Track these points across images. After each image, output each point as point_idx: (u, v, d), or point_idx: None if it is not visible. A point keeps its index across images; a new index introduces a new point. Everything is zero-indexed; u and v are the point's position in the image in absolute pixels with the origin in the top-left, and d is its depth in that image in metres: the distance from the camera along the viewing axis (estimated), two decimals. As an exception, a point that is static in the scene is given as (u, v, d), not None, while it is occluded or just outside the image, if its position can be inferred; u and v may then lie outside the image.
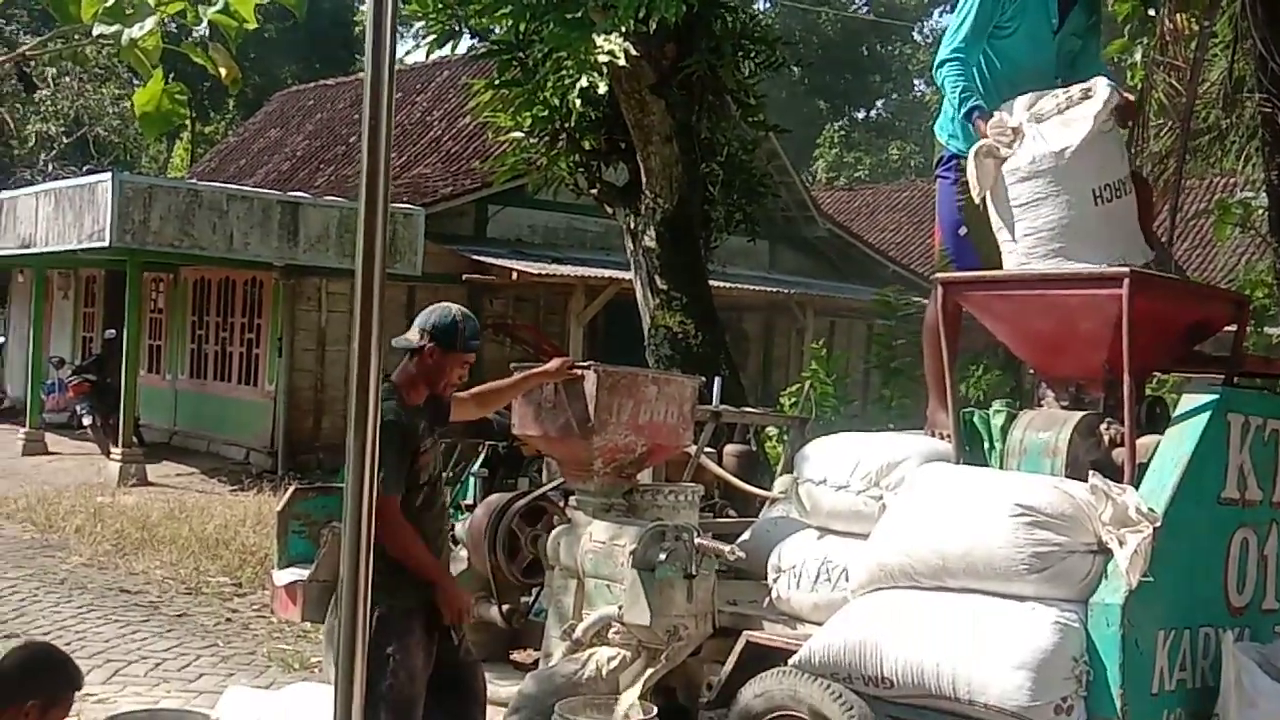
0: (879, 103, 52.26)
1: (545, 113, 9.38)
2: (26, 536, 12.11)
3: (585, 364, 5.74)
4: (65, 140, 34.57)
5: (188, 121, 37.86)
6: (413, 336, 4.85)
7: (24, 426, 18.84)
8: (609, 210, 10.46)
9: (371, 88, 2.37)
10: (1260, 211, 11.14)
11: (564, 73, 8.64)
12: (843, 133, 48.31)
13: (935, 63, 5.42)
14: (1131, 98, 5.23)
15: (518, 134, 10.02)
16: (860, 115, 52.20)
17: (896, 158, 46.27)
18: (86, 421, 17.90)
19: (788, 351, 21.75)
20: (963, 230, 5.57)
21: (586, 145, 10.05)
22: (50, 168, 33.28)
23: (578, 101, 8.63)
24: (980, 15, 5.33)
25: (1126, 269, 4.76)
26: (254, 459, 17.54)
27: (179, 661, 7.86)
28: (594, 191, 10.34)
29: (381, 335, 2.49)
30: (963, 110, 5.30)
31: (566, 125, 9.66)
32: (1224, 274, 18.12)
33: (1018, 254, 5.10)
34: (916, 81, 50.31)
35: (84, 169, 29.76)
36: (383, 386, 4.99)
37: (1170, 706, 4.49)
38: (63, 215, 16.30)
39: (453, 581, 4.78)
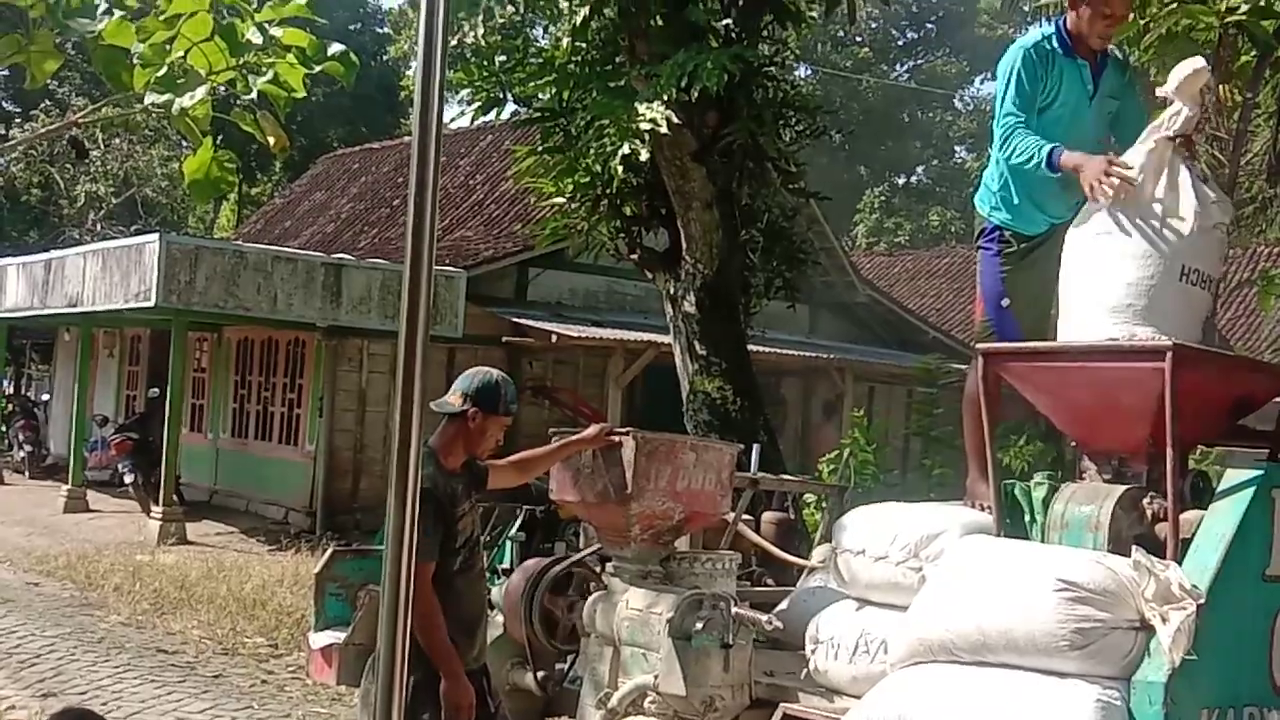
0: (919, 169, 52.37)
1: (587, 179, 9.46)
2: (66, 594, 12.18)
3: (624, 430, 5.74)
4: (114, 200, 35.14)
5: (235, 186, 38.38)
6: (454, 400, 4.88)
7: (66, 484, 18.99)
8: (649, 275, 10.50)
9: (419, 153, 2.41)
10: (1305, 283, 11.07)
11: (606, 140, 8.73)
12: (883, 198, 48.39)
13: (999, 140, 5.33)
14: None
15: (559, 199, 10.10)
16: (901, 181, 52.31)
17: (937, 224, 46.27)
18: (128, 479, 18.03)
19: (826, 418, 21.67)
20: (1005, 301, 5.55)
21: (628, 211, 10.12)
22: (99, 227, 33.81)
23: (619, 168, 8.70)
24: (1023, 89, 5.33)
25: (1169, 342, 4.72)
26: (293, 519, 17.61)
27: (215, 724, 7.88)
28: (634, 256, 10.39)
29: (424, 398, 2.50)
30: (1044, 155, 5.10)
31: (608, 191, 9.73)
32: (1268, 344, 17.95)
33: (1085, 311, 5.02)
34: (957, 148, 50.45)
35: (132, 229, 30.22)
36: (421, 452, 5.05)
37: (1215, 787, 4.40)
38: (109, 275, 16.52)
39: (460, 675, 4.73)
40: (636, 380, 18.12)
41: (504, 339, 17.53)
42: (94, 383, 22.41)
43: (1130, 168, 4.94)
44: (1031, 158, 5.16)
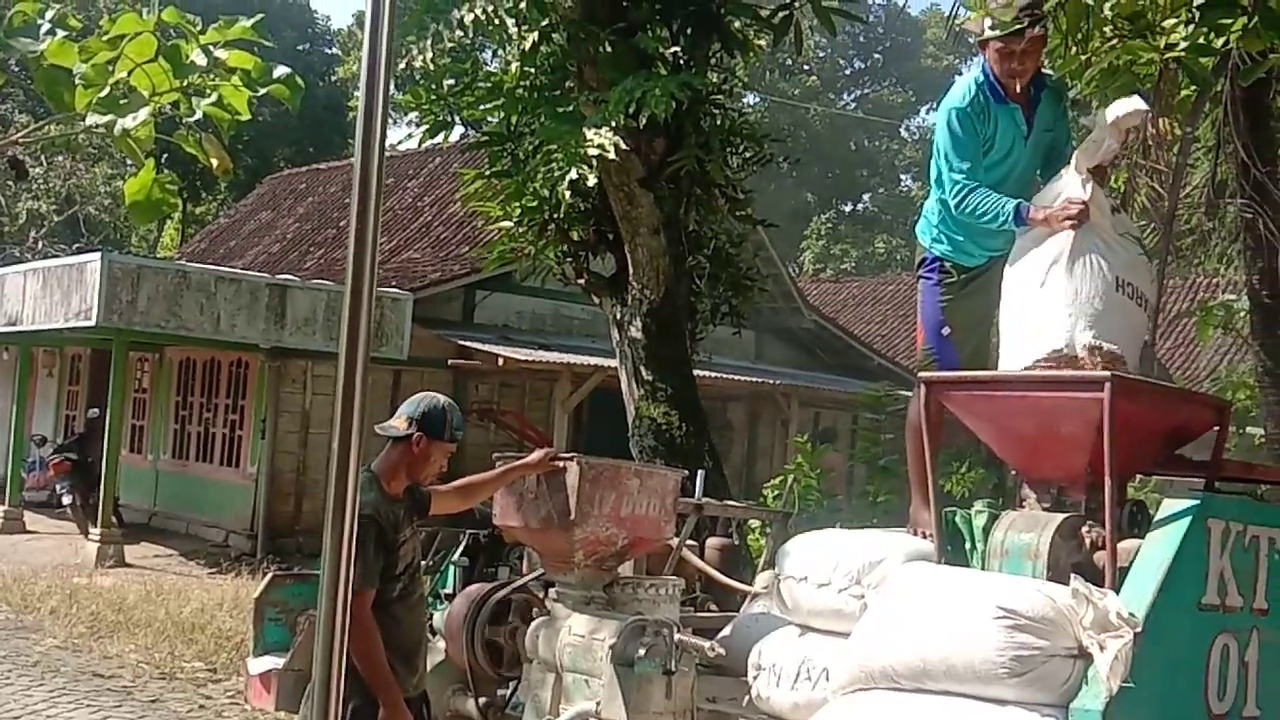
0: (866, 196, 52.81)
1: (534, 203, 9.47)
2: (0, 617, 11.97)
3: (568, 455, 5.73)
4: (56, 218, 34.73)
5: (177, 208, 38.06)
6: (399, 424, 4.86)
7: (3, 504, 18.69)
8: (596, 300, 10.51)
9: (361, 175, 2.40)
10: (1242, 314, 11.24)
11: (554, 165, 8.74)
12: (829, 225, 48.73)
13: (953, 201, 5.40)
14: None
15: (507, 223, 10.10)
16: (847, 209, 52.70)
17: (883, 251, 46.65)
18: (66, 500, 17.80)
19: (772, 442, 21.75)
20: (945, 330, 5.62)
21: (575, 235, 10.13)
22: (40, 245, 33.38)
23: (567, 193, 8.71)
24: (962, 147, 5.39)
25: (1107, 373, 4.78)
26: (233, 541, 17.43)
27: (150, 750, 7.76)
28: (581, 281, 10.40)
29: (364, 421, 2.49)
30: (1010, 212, 5.22)
31: (555, 216, 9.75)
32: (1206, 373, 18.23)
33: (1025, 329, 5.11)
34: (903, 176, 50.95)
35: (74, 247, 29.85)
36: (362, 476, 5.01)
37: (1151, 815, 4.44)
38: (50, 294, 16.32)
39: (398, 703, 4.68)
40: (583, 404, 18.11)
41: (450, 361, 17.48)
42: (32, 402, 22.08)
43: (1080, 199, 5.07)
44: (996, 216, 5.26)
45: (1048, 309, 5.09)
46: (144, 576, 14.69)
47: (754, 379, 19.87)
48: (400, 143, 15.39)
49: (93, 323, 15.18)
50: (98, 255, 15.70)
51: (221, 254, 25.42)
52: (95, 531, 16.12)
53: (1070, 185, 5.20)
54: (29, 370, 20.83)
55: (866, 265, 45.42)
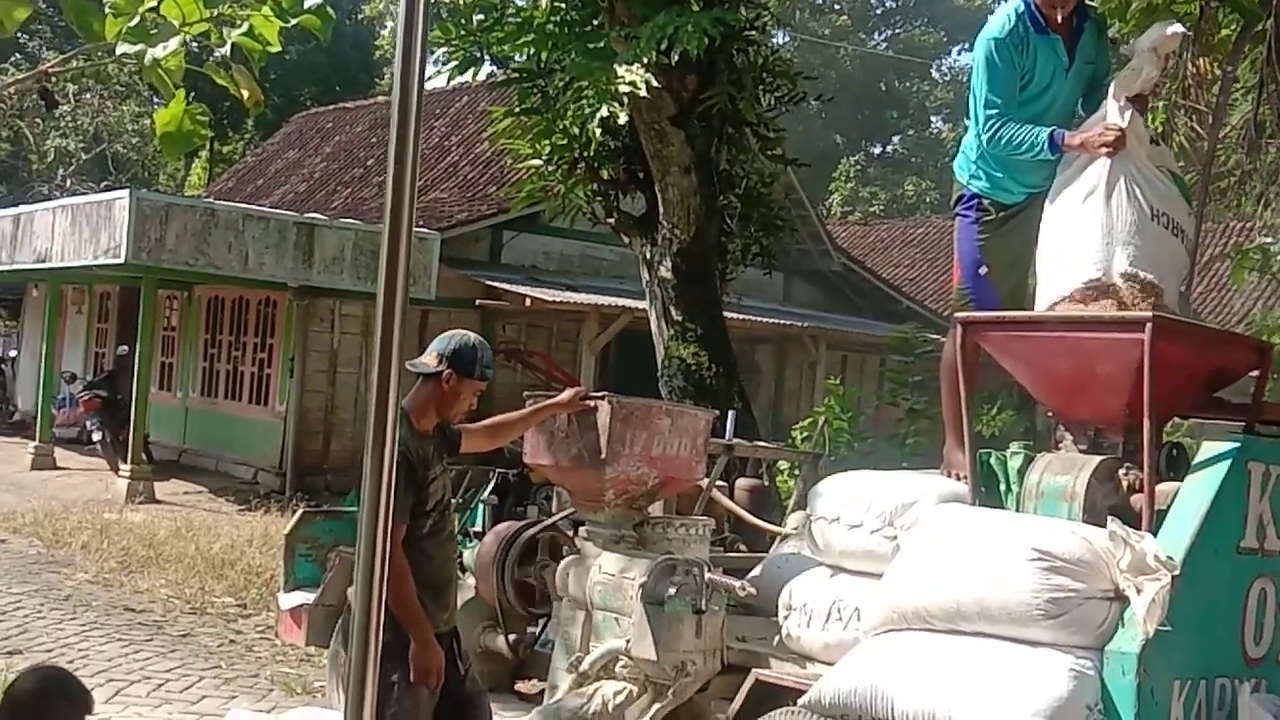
0: (895, 138, 52.31)
1: (564, 141, 9.37)
2: (32, 552, 12.08)
3: (599, 395, 5.71)
4: (84, 156, 34.76)
5: (207, 141, 37.99)
6: (429, 361, 4.82)
7: (34, 440, 18.82)
8: (626, 240, 10.43)
9: (399, 112, 2.34)
10: (1279, 257, 11.11)
11: (584, 102, 8.64)
12: (859, 167, 48.33)
13: (986, 135, 5.31)
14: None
15: (536, 161, 10.00)
16: (877, 150, 52.26)
17: (912, 194, 46.27)
18: (96, 437, 17.90)
19: (799, 385, 21.69)
20: (983, 270, 5.53)
21: (605, 174, 10.03)
22: (68, 183, 33.45)
23: (597, 131, 8.61)
24: (999, 79, 5.29)
25: (1149, 314, 4.71)
26: (262, 479, 17.51)
27: (181, 683, 7.82)
28: (611, 221, 10.31)
29: (401, 361, 2.45)
30: (1044, 142, 5.14)
31: (585, 154, 9.64)
32: (1239, 319, 18.04)
33: (1068, 257, 5.04)
34: (934, 118, 50.39)
35: (102, 185, 29.91)
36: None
37: (1185, 759, 4.42)
38: (79, 231, 16.33)
39: (429, 638, 4.66)
40: (610, 345, 18.06)
41: (477, 301, 17.43)
42: (62, 339, 22.20)
43: (1117, 125, 4.99)
44: (1031, 147, 5.18)
45: (1084, 238, 5.03)
46: (174, 513, 14.79)
47: (781, 321, 19.78)
48: (429, 78, 15.24)
49: (122, 260, 15.18)
50: (126, 193, 15.67)
51: (249, 192, 25.38)
52: (125, 468, 16.22)
53: (1109, 113, 5.12)
54: (58, 308, 20.92)
55: (895, 208, 45.06)
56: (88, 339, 22.96)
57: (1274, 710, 4.51)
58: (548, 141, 9.51)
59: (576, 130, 8.95)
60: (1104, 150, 4.97)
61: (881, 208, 45.36)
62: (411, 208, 2.33)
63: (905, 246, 31.61)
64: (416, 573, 4.71)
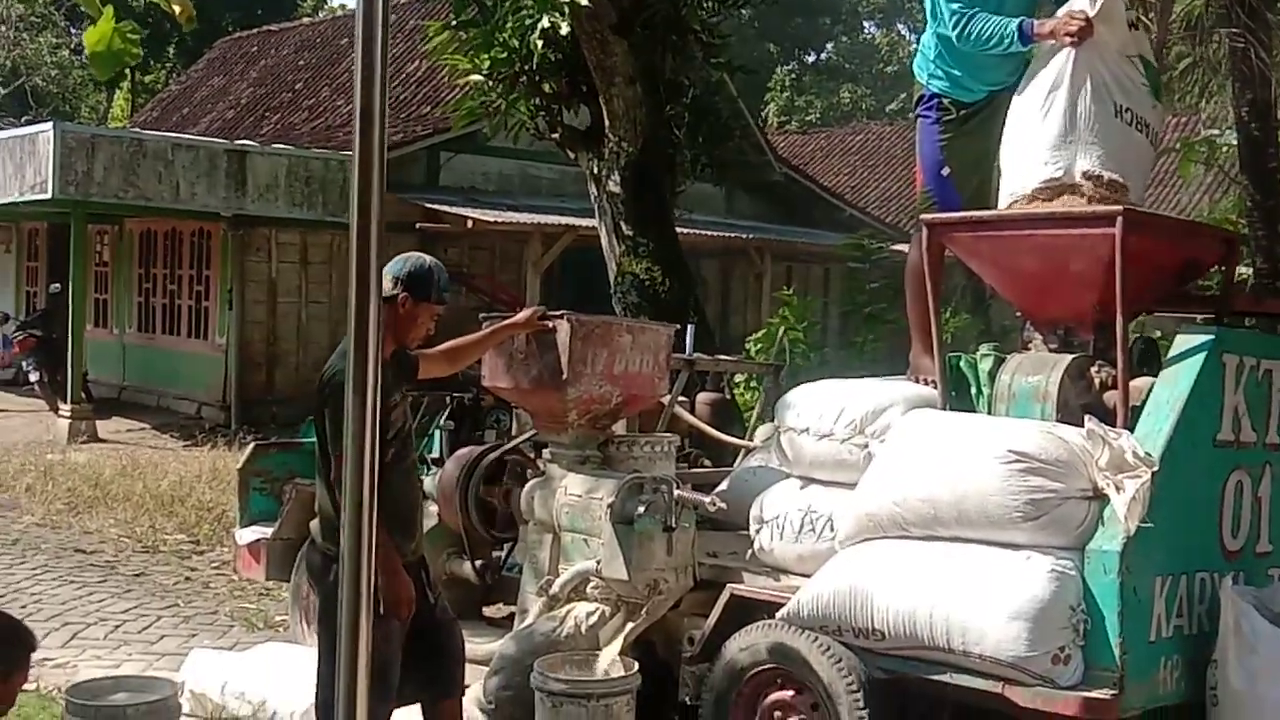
0: (829, 45, 51.91)
1: (504, 55, 9.09)
2: (-25, 496, 11.83)
3: (558, 314, 5.55)
4: (2, 91, 33.77)
5: (128, 70, 37.04)
6: (384, 285, 4.65)
7: (-32, 384, 18.42)
8: (571, 155, 10.20)
9: (364, 31, 2.18)
10: (1226, 150, 11.10)
11: (524, 13, 8.38)
12: (793, 76, 47.99)
13: (956, 35, 5.16)
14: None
15: (476, 77, 9.73)
16: (810, 59, 51.86)
17: (848, 101, 46.05)
18: (33, 378, 17.53)
19: (745, 297, 21.59)
20: (945, 170, 5.42)
21: (547, 88, 9.76)
22: (-2, 118, 32.55)
23: (538, 43, 8.38)
24: None
25: (1119, 208, 4.62)
26: (206, 413, 17.23)
27: (139, 623, 7.67)
28: (555, 136, 10.07)
29: (379, 292, 2.31)
30: (1014, 33, 5.02)
31: (526, 67, 9.38)
32: (1188, 211, 18.12)
33: (1027, 156, 4.92)
34: (867, 24, 50.09)
35: (22, 120, 29.06)
36: (345, 340, 4.82)
37: (1168, 653, 4.41)
38: (3, 167, 15.84)
39: (398, 569, 4.53)
40: (555, 265, 17.84)
41: (417, 225, 17.12)
42: (-9, 280, 21.71)
43: (1082, 12, 4.86)
44: (1000, 39, 5.04)
45: (1044, 135, 4.92)
46: (118, 451, 14.53)
47: (726, 234, 19.64)
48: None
49: (48, 195, 14.75)
50: (50, 125, 15.19)
51: (175, 122, 24.76)
52: (65, 408, 15.89)
53: None
54: (-15, 247, 20.40)
55: (832, 116, 44.83)
56: (18, 278, 22.40)
57: (1254, 601, 4.49)
58: (487, 56, 9.22)
59: (516, 43, 8.70)
60: (1069, 40, 4.84)
61: (818, 116, 45.14)
62: (383, 131, 2.19)
63: (845, 154, 31.51)
64: (381, 503, 4.52)
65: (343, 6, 41.57)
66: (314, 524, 4.83)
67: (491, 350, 5.69)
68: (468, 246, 18.51)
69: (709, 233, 18.90)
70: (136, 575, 8.93)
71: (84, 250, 16.61)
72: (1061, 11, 4.99)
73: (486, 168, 18.99)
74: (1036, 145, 4.94)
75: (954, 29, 5.12)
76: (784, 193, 22.41)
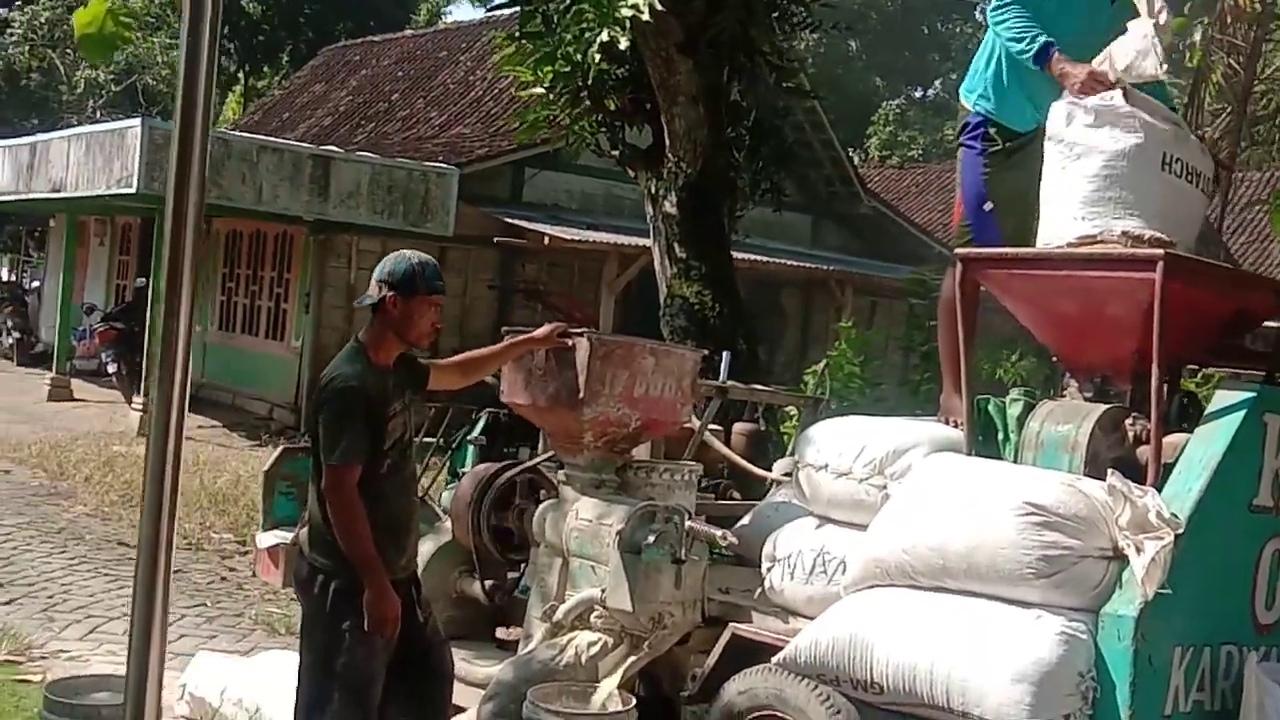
0: (937, 82, 51.39)
1: (567, 69, 8.97)
2: (35, 483, 11.96)
3: (579, 330, 5.39)
4: (114, 88, 34.59)
5: (240, 75, 37.71)
6: (371, 292, 4.55)
7: (51, 372, 18.71)
8: (631, 174, 10.04)
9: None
10: (1319, 202, 10.62)
11: (585, 25, 8.25)
12: (899, 111, 47.55)
13: (992, 8, 4.96)
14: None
15: (538, 90, 9.62)
16: (918, 94, 51.39)
17: (951, 138, 45.34)
18: (111, 369, 17.77)
19: (825, 329, 21.28)
20: (987, 205, 5.18)
21: (610, 105, 9.63)
22: (98, 115, 33.27)
23: (597, 56, 8.23)
24: None
25: (1160, 251, 4.34)
26: (278, 415, 17.34)
27: (161, 621, 7.60)
28: (615, 153, 9.92)
29: (195, 272, 2.18)
30: (1034, 48, 4.78)
31: (587, 83, 9.25)
32: (1279, 267, 17.51)
33: (1058, 208, 4.63)
34: (976, 61, 49.37)
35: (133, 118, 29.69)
36: (349, 347, 4.71)
37: (1184, 730, 4.11)
38: (93, 160, 16.09)
39: (385, 586, 4.39)
40: (631, 285, 17.71)
41: (496, 239, 17.10)
42: (83, 271, 22.06)
43: (1111, 82, 4.55)
44: (1019, 41, 4.77)
45: (1079, 187, 4.59)
46: (184, 447, 14.58)
47: (807, 264, 19.37)
48: (447, 12, 14.84)
49: (133, 189, 14.92)
50: (138, 121, 15.40)
51: (274, 126, 25.07)
52: (138, 400, 16.07)
53: (1119, 47, 4.65)
54: (77, 238, 20.75)
55: (935, 152, 44.29)
56: (109, 271, 22.82)
57: (1283, 680, 4.18)
58: (550, 69, 9.10)
59: (580, 57, 8.56)
60: (1075, 91, 4.56)
61: (920, 152, 44.64)
62: (207, 111, 2.04)
63: (940, 191, 30.98)
64: (373, 515, 4.45)
65: (453, 21, 41.96)
66: (302, 533, 4.70)
67: (511, 365, 5.55)
68: (546, 264, 18.44)
69: (790, 262, 18.66)
70: (174, 572, 8.86)
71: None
72: (1098, 60, 4.65)
73: (570, 185, 18.94)
74: (1071, 198, 4.63)
75: (994, 12, 4.86)
76: (871, 226, 22.09)
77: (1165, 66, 4.56)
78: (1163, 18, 4.57)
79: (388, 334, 4.56)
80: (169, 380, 2.08)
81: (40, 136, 18.91)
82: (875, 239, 22.10)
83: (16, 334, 22.74)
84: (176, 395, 2.09)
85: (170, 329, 2.07)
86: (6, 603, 7.66)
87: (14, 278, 31.51)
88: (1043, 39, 4.73)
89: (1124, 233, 4.47)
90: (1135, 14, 4.75)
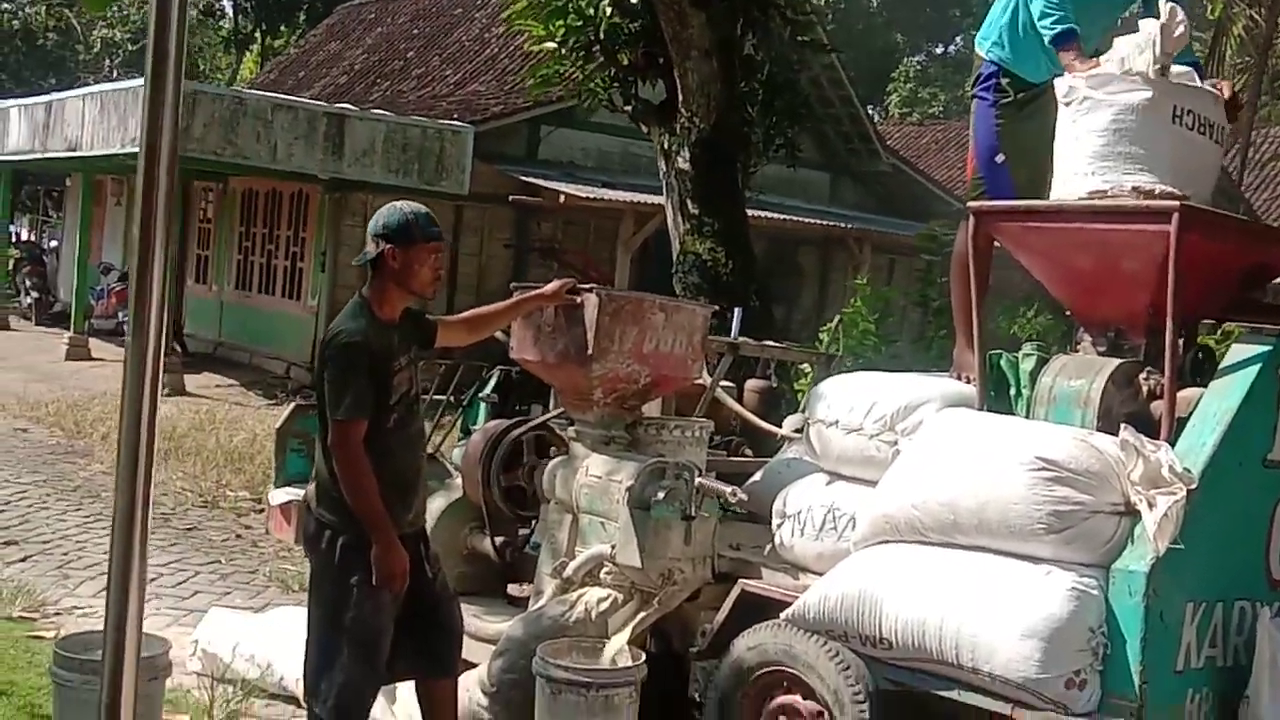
0: (958, 38, 50.86)
1: (579, 23, 8.88)
2: (52, 441, 12.00)
3: (587, 286, 5.35)
4: (131, 48, 34.52)
5: (257, 34, 37.59)
6: (369, 248, 4.51)
7: (69, 331, 18.76)
8: (644, 130, 9.96)
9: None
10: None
11: (596, -23, 8.18)
12: (919, 67, 47.14)
13: None
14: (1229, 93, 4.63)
15: (550, 45, 9.52)
16: (939, 50, 50.93)
17: (971, 96, 45.01)
18: (128, 328, 17.79)
19: (844, 287, 21.19)
20: (999, 157, 5.12)
21: (623, 59, 9.54)
22: (115, 74, 33.25)
23: (609, 10, 8.15)
24: None
25: (1175, 203, 4.27)
26: (294, 373, 17.34)
27: (176, 577, 7.64)
28: (628, 109, 9.83)
29: (169, 222, 2.15)
30: (1057, 29, 4.71)
31: (600, 36, 9.15)
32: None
33: (1069, 164, 4.57)
34: (997, 17, 48.87)
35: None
36: (352, 303, 4.67)
37: (1196, 685, 4.08)
38: (107, 119, 16.07)
39: (392, 540, 4.37)
40: (648, 243, 17.63)
41: (511, 198, 17.04)
42: (101, 231, 22.09)
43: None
44: (1050, 17, 4.70)
45: (1089, 143, 4.52)
46: (200, 405, 14.65)
47: (825, 222, 19.25)
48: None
49: (148, 149, 14.89)
50: (152, 80, 15.34)
51: (290, 85, 24.99)
52: (155, 360, 16.08)
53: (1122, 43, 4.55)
54: (93, 197, 20.75)
55: (955, 109, 43.90)
56: (127, 230, 22.82)
57: (1297, 636, 4.14)
58: (562, 23, 9.01)
59: (591, 11, 8.47)
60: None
61: (941, 109, 44.27)
62: (179, 68, 2.00)
63: (960, 148, 30.72)
64: (379, 471, 4.43)
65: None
66: (310, 488, 4.69)
67: (520, 321, 5.52)
68: (561, 222, 18.37)
69: (808, 220, 18.55)
70: (188, 530, 8.93)
71: (186, 206, 16.78)
72: (1107, 56, 4.57)
73: (585, 143, 18.83)
74: (1081, 154, 4.56)
75: None
76: (890, 183, 21.93)
77: (1159, 66, 4.44)
78: (1179, 30, 4.45)
79: (390, 287, 4.52)
80: (143, 335, 2.05)
81: (56, 95, 18.86)
82: (894, 196, 21.95)
83: (35, 293, 22.81)
84: (151, 352, 2.05)
85: (144, 283, 2.04)
86: (22, 560, 7.69)
87: (32, 237, 31.59)
88: (1068, 25, 4.66)
89: (1135, 188, 4.40)
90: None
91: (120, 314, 18.11)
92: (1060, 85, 4.62)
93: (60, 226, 26.60)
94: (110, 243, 22.61)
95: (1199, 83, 4.49)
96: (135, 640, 2.05)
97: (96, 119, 16.35)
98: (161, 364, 2.16)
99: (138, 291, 2.05)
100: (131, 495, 2.05)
